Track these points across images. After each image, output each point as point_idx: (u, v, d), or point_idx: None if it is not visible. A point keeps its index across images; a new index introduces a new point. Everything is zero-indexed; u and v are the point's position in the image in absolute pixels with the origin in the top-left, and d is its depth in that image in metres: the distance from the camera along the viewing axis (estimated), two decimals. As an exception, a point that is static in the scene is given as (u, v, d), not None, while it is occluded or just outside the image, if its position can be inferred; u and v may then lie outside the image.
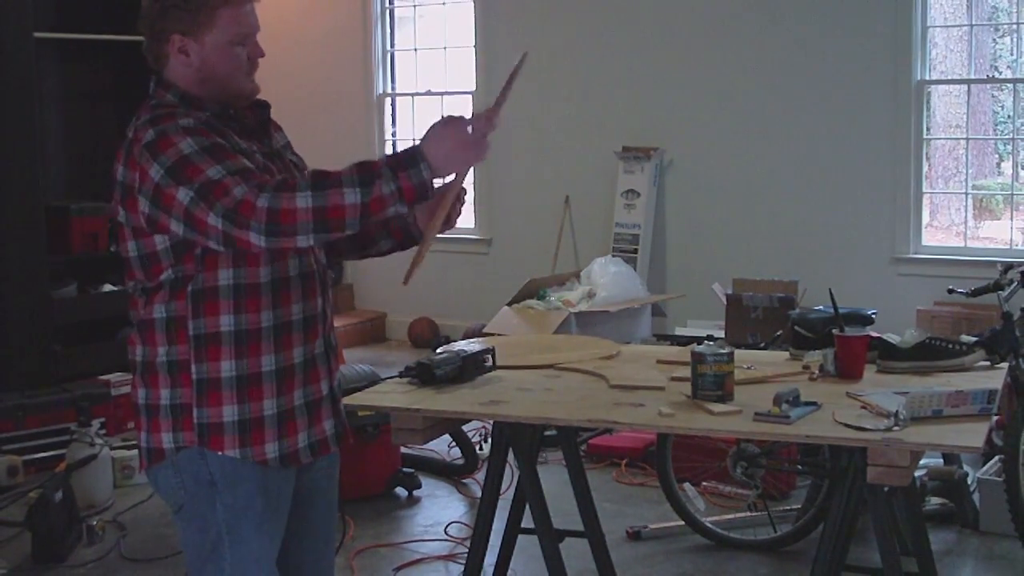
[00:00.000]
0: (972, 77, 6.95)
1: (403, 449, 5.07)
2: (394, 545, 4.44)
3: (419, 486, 4.99)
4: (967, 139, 7.05)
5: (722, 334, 5.95)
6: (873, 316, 3.41)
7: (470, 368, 3.07)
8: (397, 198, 2.17)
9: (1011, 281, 4.32)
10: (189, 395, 2.31)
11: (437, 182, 2.29)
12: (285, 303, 2.34)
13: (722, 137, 7.23)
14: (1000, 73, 7.31)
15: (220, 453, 2.32)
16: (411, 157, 2.19)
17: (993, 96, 7.54)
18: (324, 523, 2.59)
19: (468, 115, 2.29)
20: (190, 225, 2.21)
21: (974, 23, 6.84)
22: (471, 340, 3.69)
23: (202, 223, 2.18)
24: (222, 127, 2.32)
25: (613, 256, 7.14)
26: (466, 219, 8.11)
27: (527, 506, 3.20)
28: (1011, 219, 6.82)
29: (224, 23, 2.31)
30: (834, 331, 3.07)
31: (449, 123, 2.24)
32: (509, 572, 3.48)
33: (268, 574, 2.40)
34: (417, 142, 2.24)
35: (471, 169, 2.41)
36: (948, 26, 7.01)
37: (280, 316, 2.34)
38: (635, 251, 7.33)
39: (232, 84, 2.35)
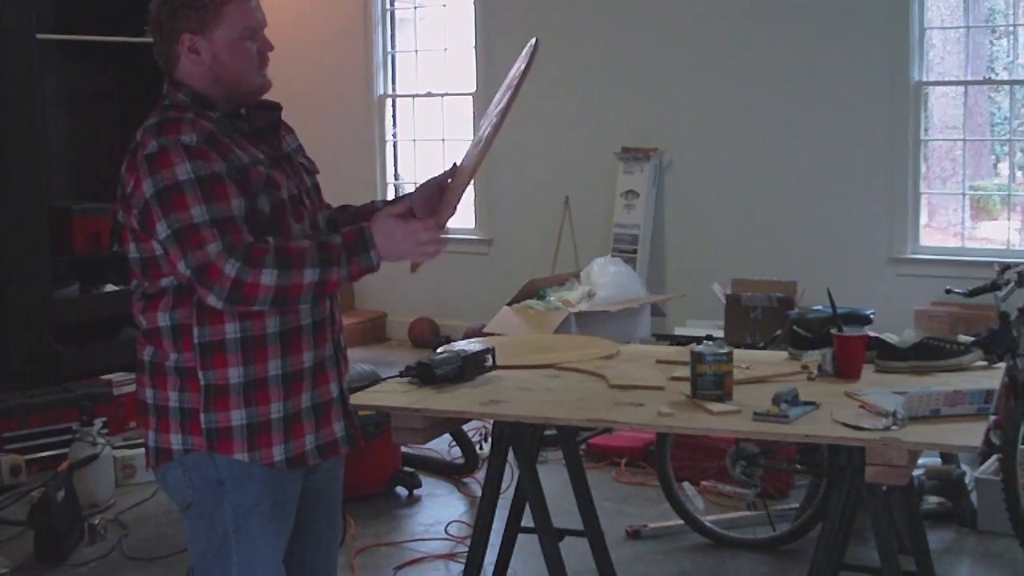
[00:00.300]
0: (969, 79, 6.97)
1: (403, 448, 5.08)
2: (395, 544, 4.45)
3: (419, 485, 5.01)
4: (964, 140, 7.06)
5: (721, 334, 5.96)
6: (871, 316, 3.42)
7: (470, 368, 3.09)
8: (347, 281, 2.31)
9: (1008, 281, 4.33)
10: (197, 400, 2.32)
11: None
12: (293, 308, 2.36)
13: (721, 138, 7.25)
14: (997, 75, 7.31)
15: (229, 457, 2.33)
16: (363, 244, 2.29)
17: (990, 97, 7.54)
18: (328, 522, 2.61)
19: (416, 215, 2.39)
20: (165, 254, 2.28)
21: (971, 25, 6.85)
22: (471, 340, 3.70)
23: (172, 263, 2.27)
24: (230, 132, 2.33)
25: (613, 256, 7.15)
26: (466, 219, 8.14)
27: (527, 505, 3.21)
28: (1008, 220, 6.84)
29: (232, 18, 2.33)
30: (832, 331, 3.08)
31: (400, 224, 2.33)
32: (509, 571, 3.49)
33: (274, 572, 2.41)
34: (372, 224, 2.32)
35: (474, 178, 2.44)
36: (945, 28, 7.03)
37: (288, 321, 2.35)
38: (635, 251, 7.34)
39: (244, 80, 2.37)
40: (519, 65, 2.48)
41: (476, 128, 2.61)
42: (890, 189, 6.80)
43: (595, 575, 3.52)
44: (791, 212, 7.05)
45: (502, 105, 2.42)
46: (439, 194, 2.51)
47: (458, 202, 2.42)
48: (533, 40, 2.50)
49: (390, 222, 2.33)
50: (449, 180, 2.52)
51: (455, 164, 2.57)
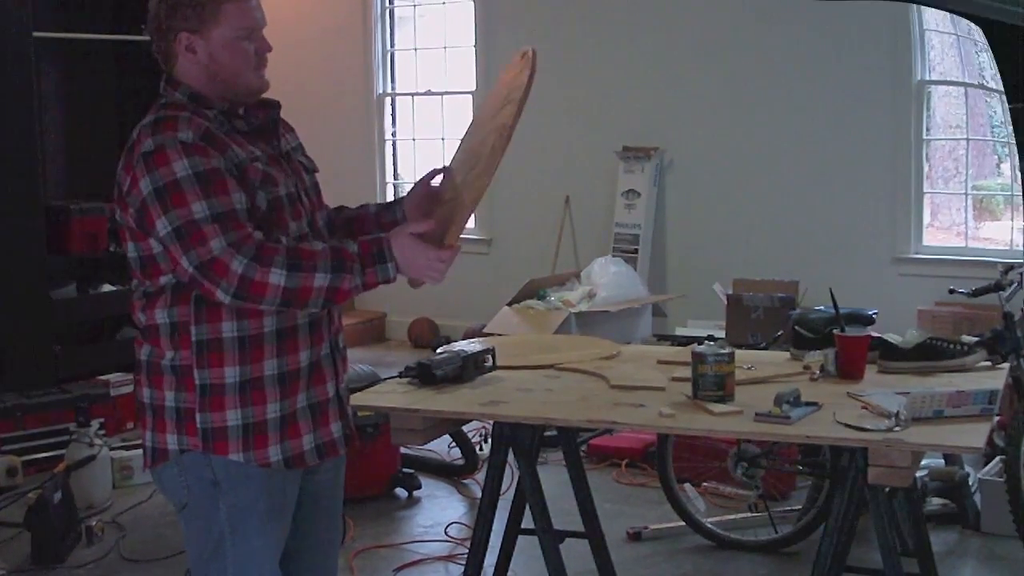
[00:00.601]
0: (970, 80, 6.95)
1: (403, 449, 5.06)
2: (394, 546, 4.43)
3: (419, 486, 4.99)
4: (967, 140, 7.03)
5: (723, 334, 5.94)
6: (874, 316, 3.40)
7: (470, 368, 3.07)
8: (360, 290, 2.33)
9: (1012, 281, 4.32)
10: (192, 399, 2.31)
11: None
12: (301, 310, 2.34)
13: (722, 137, 7.23)
14: (987, 83, 7.28)
15: (224, 457, 2.32)
16: (381, 254, 2.31)
17: (987, 102, 7.51)
18: (328, 524, 2.59)
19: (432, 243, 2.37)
20: (164, 252, 2.26)
21: (959, 34, 6.84)
22: (471, 340, 3.68)
23: (174, 260, 2.24)
24: (227, 130, 2.32)
25: (613, 256, 7.14)
26: (466, 219, 8.11)
27: (527, 506, 3.19)
28: (1012, 220, 6.81)
29: (230, 18, 2.32)
30: (835, 331, 3.06)
31: (421, 246, 2.34)
32: (509, 573, 3.47)
33: (271, 574, 2.39)
34: (391, 238, 2.33)
35: (481, 198, 2.41)
36: (941, 32, 7.01)
37: (284, 320, 2.34)
38: (635, 251, 7.32)
39: (241, 80, 2.35)
40: (519, 77, 2.46)
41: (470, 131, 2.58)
42: (892, 188, 6.78)
43: (595, 577, 3.50)
44: (793, 211, 7.03)
45: (508, 122, 2.38)
46: (428, 200, 2.51)
47: (465, 223, 2.41)
48: (530, 50, 2.48)
49: (411, 242, 2.33)
50: (438, 183, 2.52)
51: (447, 167, 2.55)
